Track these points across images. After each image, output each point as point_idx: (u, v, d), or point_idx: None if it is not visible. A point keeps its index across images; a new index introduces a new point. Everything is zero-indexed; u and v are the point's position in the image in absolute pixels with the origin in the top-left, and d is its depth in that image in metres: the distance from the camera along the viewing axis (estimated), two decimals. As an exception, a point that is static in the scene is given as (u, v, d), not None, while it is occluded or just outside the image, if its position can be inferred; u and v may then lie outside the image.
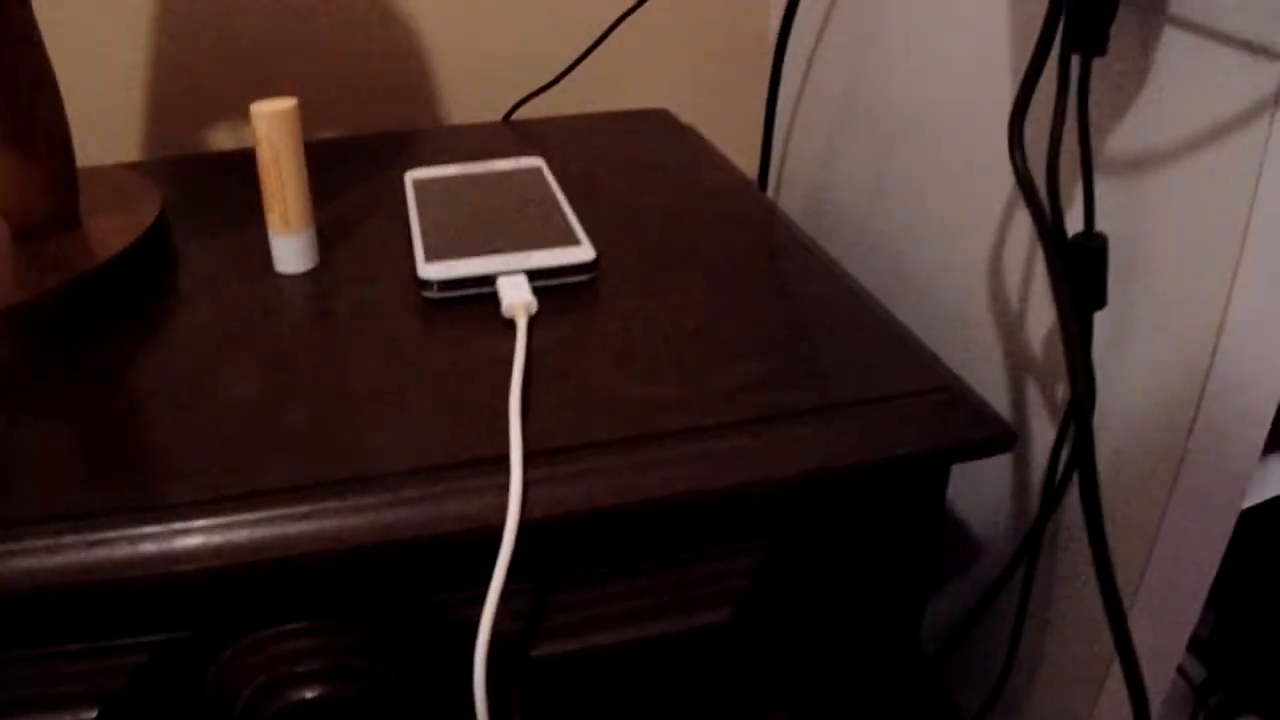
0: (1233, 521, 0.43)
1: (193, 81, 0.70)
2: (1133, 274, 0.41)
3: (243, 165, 0.61)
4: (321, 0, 0.70)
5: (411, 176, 0.57)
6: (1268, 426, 0.40)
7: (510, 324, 0.45)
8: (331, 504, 0.36)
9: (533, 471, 0.37)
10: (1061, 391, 0.47)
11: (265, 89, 0.71)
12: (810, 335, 0.45)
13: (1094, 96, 0.41)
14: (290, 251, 0.49)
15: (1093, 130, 0.42)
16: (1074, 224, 0.42)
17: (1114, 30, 0.38)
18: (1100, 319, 0.43)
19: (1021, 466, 0.50)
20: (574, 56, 0.71)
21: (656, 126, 0.70)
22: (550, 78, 0.71)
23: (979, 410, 0.41)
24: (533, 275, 0.47)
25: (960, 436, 0.40)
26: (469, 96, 0.76)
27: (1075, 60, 0.38)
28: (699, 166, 0.63)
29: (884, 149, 0.60)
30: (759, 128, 0.79)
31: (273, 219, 0.49)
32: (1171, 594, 0.44)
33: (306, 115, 0.73)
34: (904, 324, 0.47)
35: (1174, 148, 0.38)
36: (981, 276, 0.52)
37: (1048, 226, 0.39)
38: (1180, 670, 0.62)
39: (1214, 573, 0.44)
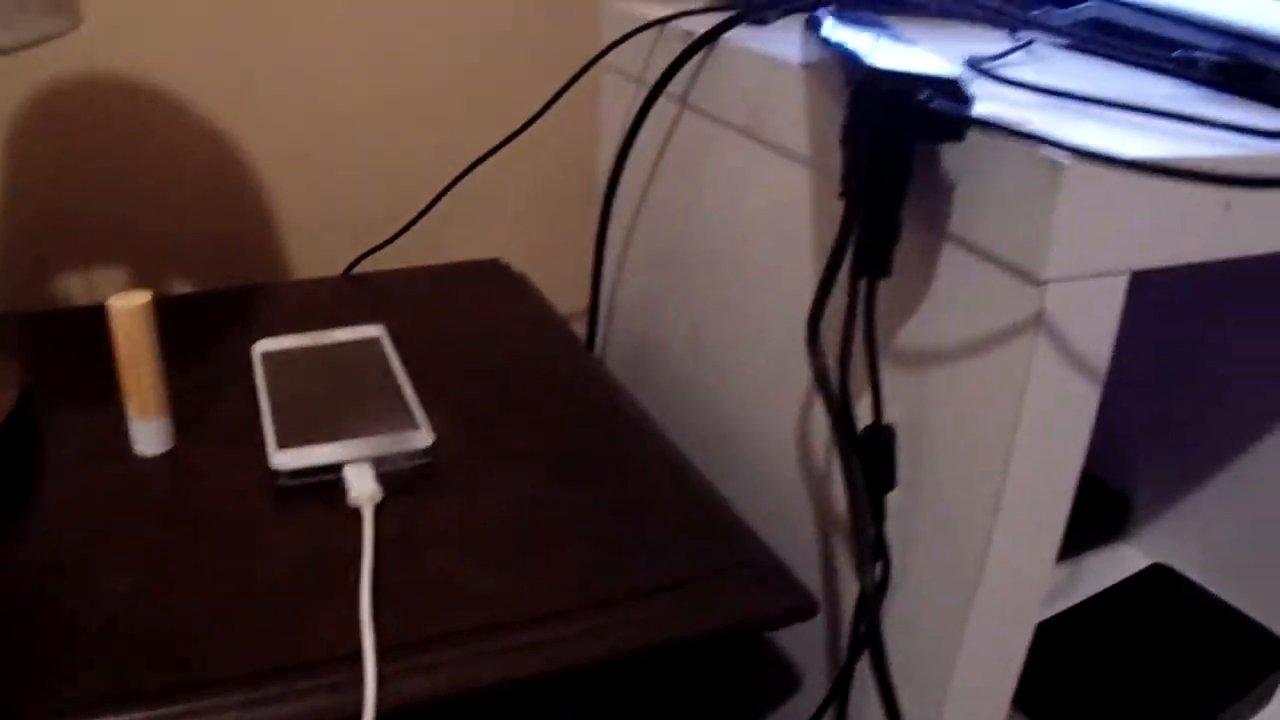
0: (1026, 640, 0.51)
1: (35, 237, 0.73)
2: (921, 454, 0.48)
3: (93, 324, 0.65)
4: (165, 154, 0.74)
5: (259, 350, 0.61)
6: (1054, 553, 0.48)
7: (358, 512, 0.50)
8: (201, 704, 0.40)
9: (385, 666, 0.42)
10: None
11: (110, 243, 0.75)
12: (633, 515, 0.52)
13: (885, 301, 0.49)
14: (148, 435, 0.53)
15: (883, 330, 0.49)
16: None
17: (902, 240, 0.46)
18: (896, 493, 0.50)
19: (834, 616, 0.58)
20: (414, 209, 0.77)
21: (491, 279, 0.77)
22: (392, 228, 0.77)
23: (785, 584, 0.48)
24: (377, 460, 0.53)
25: (766, 611, 0.47)
26: (312, 250, 0.81)
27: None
28: (530, 325, 0.70)
29: (701, 313, 0.67)
30: (590, 274, 0.86)
31: (130, 406, 0.53)
32: (974, 710, 0.52)
33: (151, 269, 0.77)
34: (719, 495, 0.54)
35: (956, 350, 0.45)
36: (791, 446, 0.59)
37: (839, 421, 0.47)
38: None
39: (1013, 686, 0.52)
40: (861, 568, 0.47)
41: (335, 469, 0.52)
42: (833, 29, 0.50)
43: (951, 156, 0.43)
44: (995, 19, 0.73)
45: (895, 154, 0.41)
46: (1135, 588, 0.73)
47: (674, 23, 0.64)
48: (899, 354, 0.49)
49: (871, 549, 0.48)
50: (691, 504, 0.53)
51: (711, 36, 0.58)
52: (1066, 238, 0.40)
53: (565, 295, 0.90)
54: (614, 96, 0.76)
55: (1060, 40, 0.69)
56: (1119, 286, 0.43)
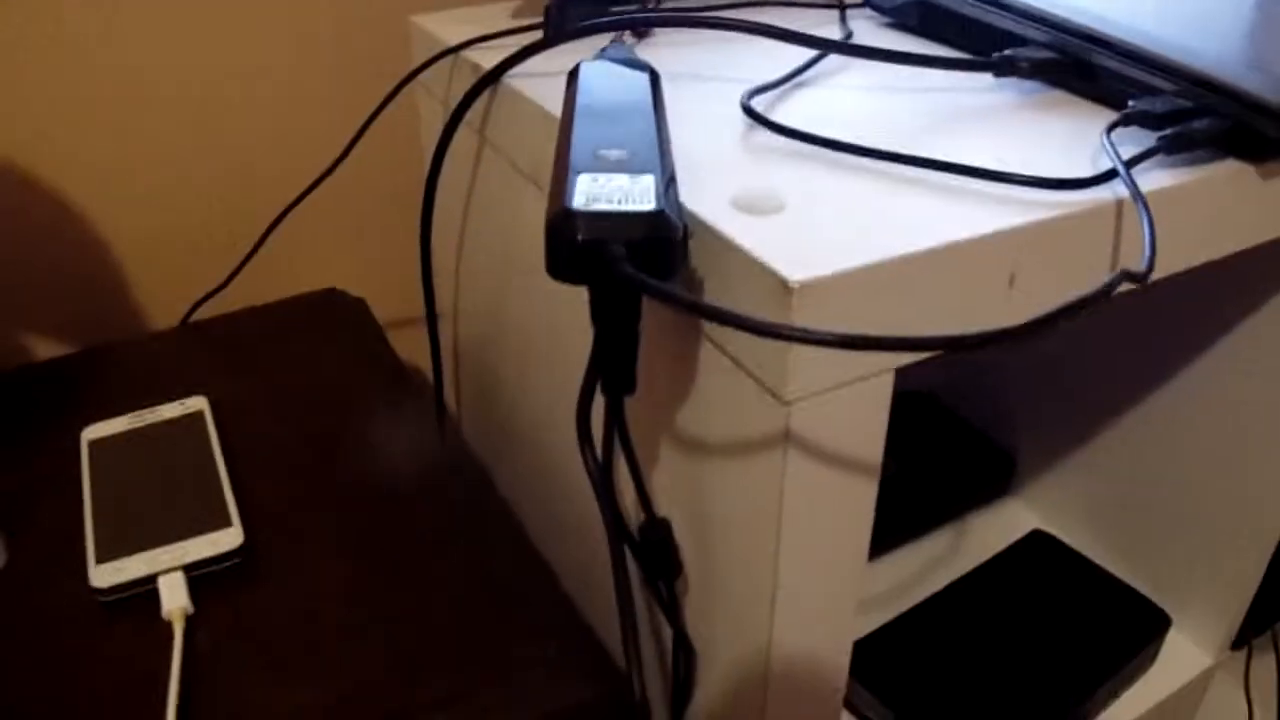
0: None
1: None
2: (705, 544, 0.50)
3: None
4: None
5: (86, 437, 0.64)
6: (848, 636, 0.50)
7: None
8: None
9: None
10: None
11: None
12: (450, 609, 0.54)
13: (659, 392, 0.49)
14: None
15: (660, 420, 0.50)
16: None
17: (671, 332, 0.46)
18: (694, 582, 0.52)
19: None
20: (251, 239, 0.78)
21: (327, 311, 0.79)
22: (231, 258, 0.79)
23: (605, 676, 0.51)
24: (190, 566, 0.55)
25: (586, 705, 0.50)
26: (150, 299, 0.83)
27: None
28: (365, 370, 0.72)
29: (522, 359, 0.68)
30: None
31: None
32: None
33: None
34: (541, 582, 0.56)
35: (721, 448, 0.46)
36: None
37: (612, 519, 0.48)
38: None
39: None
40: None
41: (152, 579, 0.54)
42: (584, 84, 0.49)
43: (700, 256, 0.43)
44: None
45: (608, 295, 0.41)
46: (1014, 558, 0.75)
47: (470, 50, 0.62)
48: (677, 444, 0.50)
49: (677, 639, 0.50)
50: (515, 598, 0.55)
51: (493, 76, 0.57)
52: (809, 356, 0.39)
53: (411, 309, 0.93)
54: (428, 119, 0.74)
55: (885, 20, 0.67)
56: (882, 386, 0.43)
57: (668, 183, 0.41)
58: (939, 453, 0.84)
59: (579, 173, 0.41)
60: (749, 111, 0.51)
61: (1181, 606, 0.75)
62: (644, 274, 0.38)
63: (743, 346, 0.42)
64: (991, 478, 0.84)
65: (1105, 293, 0.39)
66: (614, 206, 0.39)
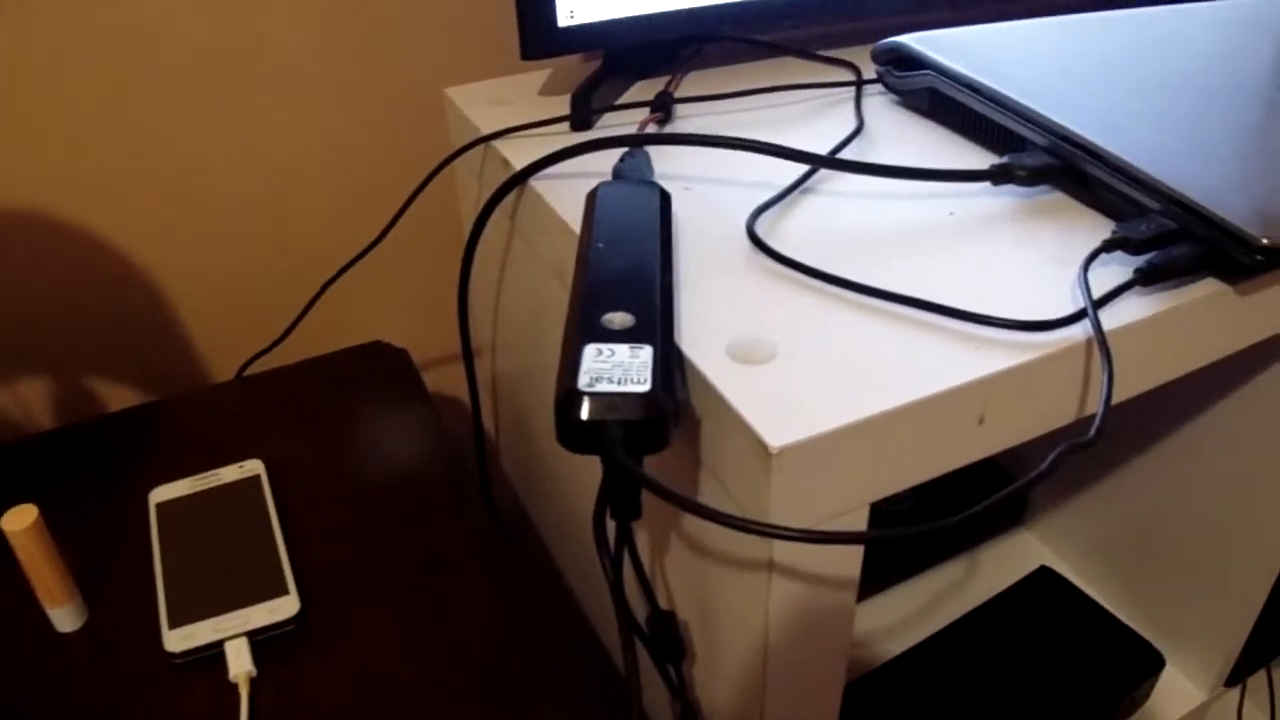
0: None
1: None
2: (707, 628, 0.57)
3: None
4: (61, 275, 0.84)
5: (154, 499, 0.72)
6: None
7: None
8: None
9: None
10: None
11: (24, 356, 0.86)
12: (489, 674, 0.62)
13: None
14: (62, 618, 0.65)
15: (671, 526, 0.57)
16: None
17: (675, 455, 0.53)
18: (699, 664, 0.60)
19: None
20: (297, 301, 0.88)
21: (372, 363, 0.87)
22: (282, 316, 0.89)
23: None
24: (253, 633, 0.64)
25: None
26: (208, 350, 0.92)
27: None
28: (410, 425, 0.80)
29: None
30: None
31: (41, 597, 0.64)
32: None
33: (53, 391, 0.88)
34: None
35: (717, 558, 0.53)
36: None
37: (623, 614, 0.56)
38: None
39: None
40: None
41: (218, 644, 0.63)
42: (600, 218, 0.55)
43: (699, 398, 0.49)
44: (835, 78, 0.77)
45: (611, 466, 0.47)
46: (1019, 595, 0.82)
47: (502, 140, 0.69)
48: (683, 546, 0.57)
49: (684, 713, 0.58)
50: (557, 670, 0.63)
51: (521, 178, 0.63)
52: (788, 502, 0.46)
53: (450, 348, 1.02)
54: (464, 188, 0.81)
55: (897, 100, 0.73)
56: (857, 520, 0.49)
57: (665, 351, 0.47)
58: (954, 486, 0.91)
59: (586, 342, 0.48)
60: (753, 236, 0.58)
61: (1179, 643, 0.81)
62: (641, 443, 0.45)
63: (734, 483, 0.48)
64: (1006, 509, 0.91)
65: (1051, 470, 0.46)
66: (613, 387, 0.45)
